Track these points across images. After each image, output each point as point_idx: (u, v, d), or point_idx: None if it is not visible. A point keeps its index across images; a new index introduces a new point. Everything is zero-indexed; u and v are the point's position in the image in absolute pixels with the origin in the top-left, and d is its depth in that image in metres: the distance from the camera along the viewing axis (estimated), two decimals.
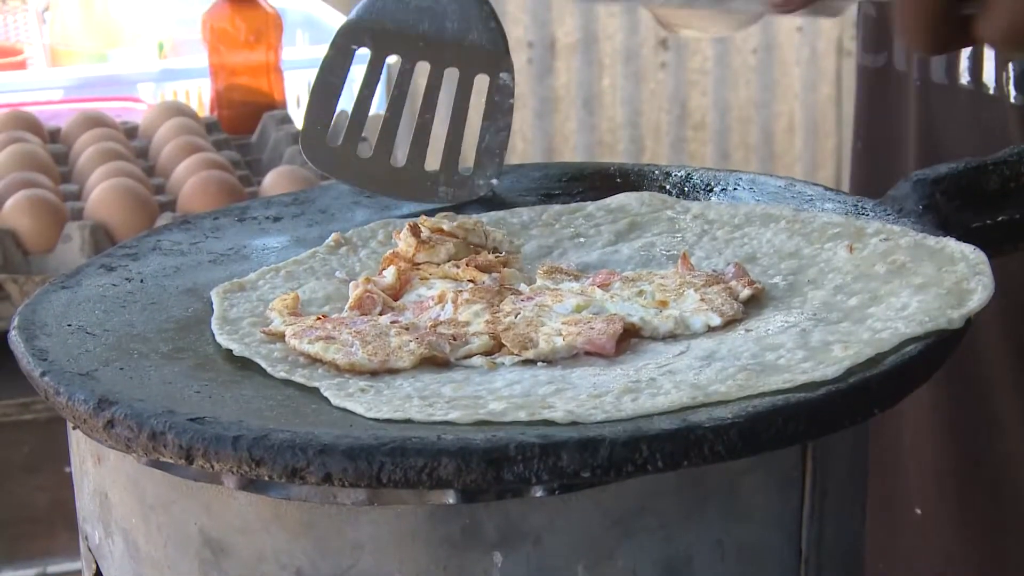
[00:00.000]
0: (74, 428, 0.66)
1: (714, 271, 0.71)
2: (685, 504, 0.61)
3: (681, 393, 0.60)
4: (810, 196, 0.80)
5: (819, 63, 2.63)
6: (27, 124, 1.51)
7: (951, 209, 0.75)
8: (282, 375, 0.64)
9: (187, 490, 0.62)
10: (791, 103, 2.68)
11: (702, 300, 0.67)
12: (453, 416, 0.59)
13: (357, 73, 0.86)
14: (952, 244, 0.69)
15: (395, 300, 0.71)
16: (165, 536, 0.64)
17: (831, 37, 2.61)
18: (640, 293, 0.69)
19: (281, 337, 0.67)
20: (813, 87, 2.62)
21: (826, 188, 0.81)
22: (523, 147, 2.55)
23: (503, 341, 0.65)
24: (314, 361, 0.65)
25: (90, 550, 0.69)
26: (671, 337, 0.66)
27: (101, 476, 0.67)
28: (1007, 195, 0.75)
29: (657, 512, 0.60)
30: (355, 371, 0.64)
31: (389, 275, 0.72)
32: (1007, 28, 0.69)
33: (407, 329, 0.66)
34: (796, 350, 0.63)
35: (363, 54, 0.85)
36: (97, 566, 0.69)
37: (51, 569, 1.21)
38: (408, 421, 0.60)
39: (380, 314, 0.69)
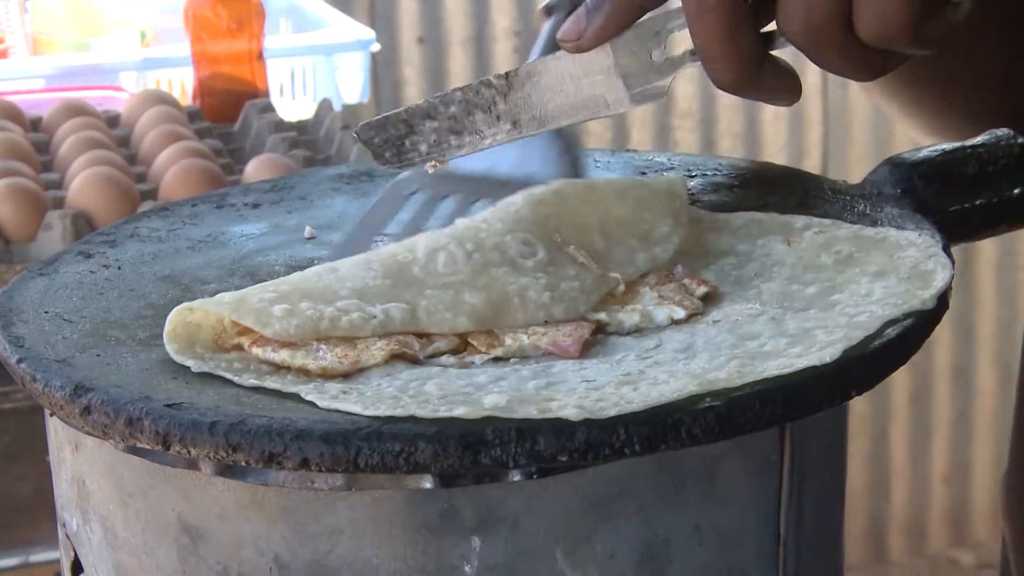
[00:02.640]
0: (51, 415, 0.66)
1: (661, 273, 0.70)
2: (663, 488, 0.61)
3: (680, 382, 0.59)
4: (788, 179, 0.80)
5: None
6: (8, 113, 1.50)
7: (929, 193, 0.75)
8: (252, 382, 0.62)
9: (164, 476, 0.62)
10: None
11: (660, 297, 0.67)
12: (459, 412, 0.57)
13: None
14: (894, 233, 0.69)
15: None
16: (143, 522, 0.64)
17: None
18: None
19: (237, 348, 0.64)
20: (799, 76, 2.63)
21: (804, 172, 0.81)
22: None
23: (469, 339, 0.65)
24: (279, 368, 0.63)
25: (68, 537, 0.69)
26: (636, 332, 0.66)
27: (78, 463, 0.66)
28: (985, 178, 0.75)
29: (635, 496, 0.61)
30: (327, 375, 0.62)
31: None
32: (804, 17, 0.63)
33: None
34: (777, 337, 0.63)
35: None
36: (75, 553, 0.68)
37: (33, 558, 1.20)
38: (411, 418, 0.58)
39: None
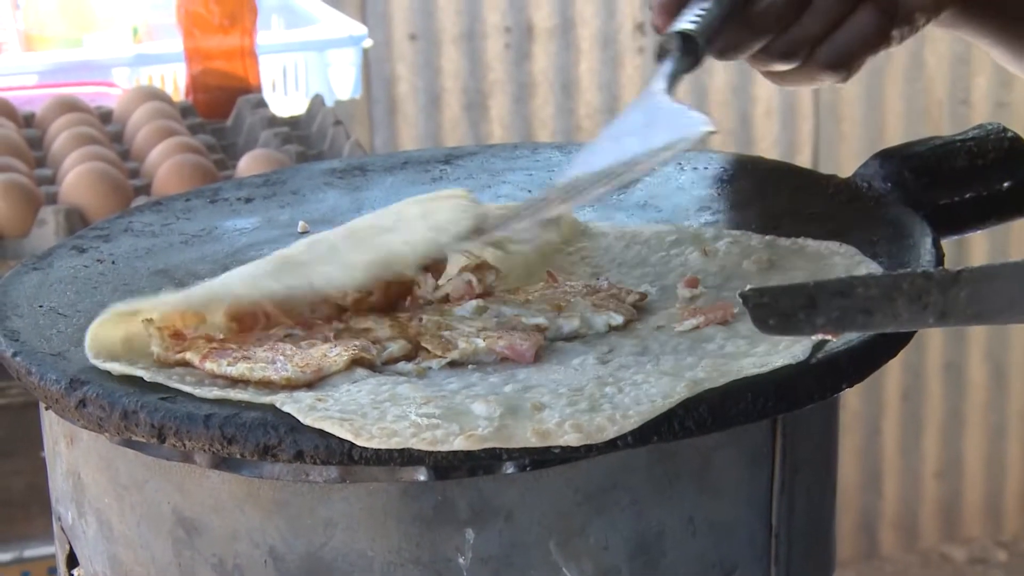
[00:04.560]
0: (46, 408, 0.66)
1: (588, 284, 0.70)
2: (656, 480, 0.61)
3: (663, 382, 0.59)
4: (779, 174, 0.80)
5: None
6: (1, 109, 1.50)
7: (919, 186, 0.75)
8: (216, 394, 0.61)
9: (160, 469, 0.62)
10: (768, 87, 2.69)
11: (594, 305, 0.67)
12: (459, 444, 0.56)
13: None
14: (812, 243, 0.70)
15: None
16: (138, 516, 0.64)
17: None
18: (527, 302, 0.68)
19: (180, 363, 0.63)
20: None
21: (794, 166, 0.82)
22: (501, 133, 2.55)
23: (423, 344, 0.64)
24: (235, 382, 0.62)
25: (63, 531, 0.69)
26: (576, 338, 0.66)
27: (74, 456, 0.67)
28: (975, 172, 0.76)
29: (628, 488, 0.61)
30: (292, 385, 0.61)
31: None
32: None
33: (315, 339, 0.64)
34: (734, 339, 0.63)
35: None
36: (71, 547, 0.69)
37: (28, 553, 1.20)
38: (405, 451, 0.57)
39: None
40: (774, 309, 0.59)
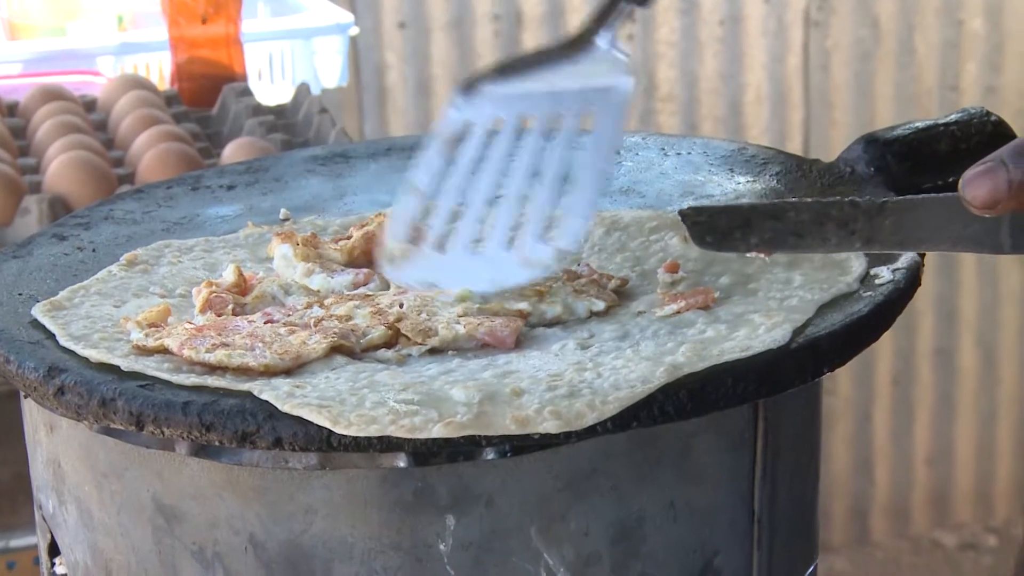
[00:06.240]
0: (25, 397, 0.66)
1: (569, 270, 0.70)
2: (637, 466, 0.61)
3: (642, 367, 0.59)
4: (762, 159, 0.80)
5: (786, 34, 2.63)
6: None
7: (902, 171, 0.75)
8: (193, 381, 0.60)
9: (139, 457, 0.62)
10: (759, 74, 2.69)
11: (575, 291, 0.67)
12: (438, 431, 0.56)
13: None
14: None
15: (243, 296, 0.68)
16: (118, 504, 0.64)
17: (798, 8, 2.61)
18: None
19: (159, 350, 0.63)
20: (780, 58, 2.63)
21: (778, 151, 0.81)
22: None
23: (403, 331, 0.64)
24: (213, 369, 0.62)
25: (44, 519, 0.69)
26: (558, 323, 0.66)
27: (54, 445, 0.66)
28: (958, 156, 0.75)
29: (609, 474, 0.61)
30: (270, 372, 0.61)
31: (229, 274, 0.69)
32: None
33: (295, 326, 0.65)
34: (714, 323, 0.63)
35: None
36: (52, 535, 0.68)
37: (14, 543, 1.20)
38: (384, 437, 0.57)
39: (233, 312, 0.66)
40: (711, 227, 0.62)
